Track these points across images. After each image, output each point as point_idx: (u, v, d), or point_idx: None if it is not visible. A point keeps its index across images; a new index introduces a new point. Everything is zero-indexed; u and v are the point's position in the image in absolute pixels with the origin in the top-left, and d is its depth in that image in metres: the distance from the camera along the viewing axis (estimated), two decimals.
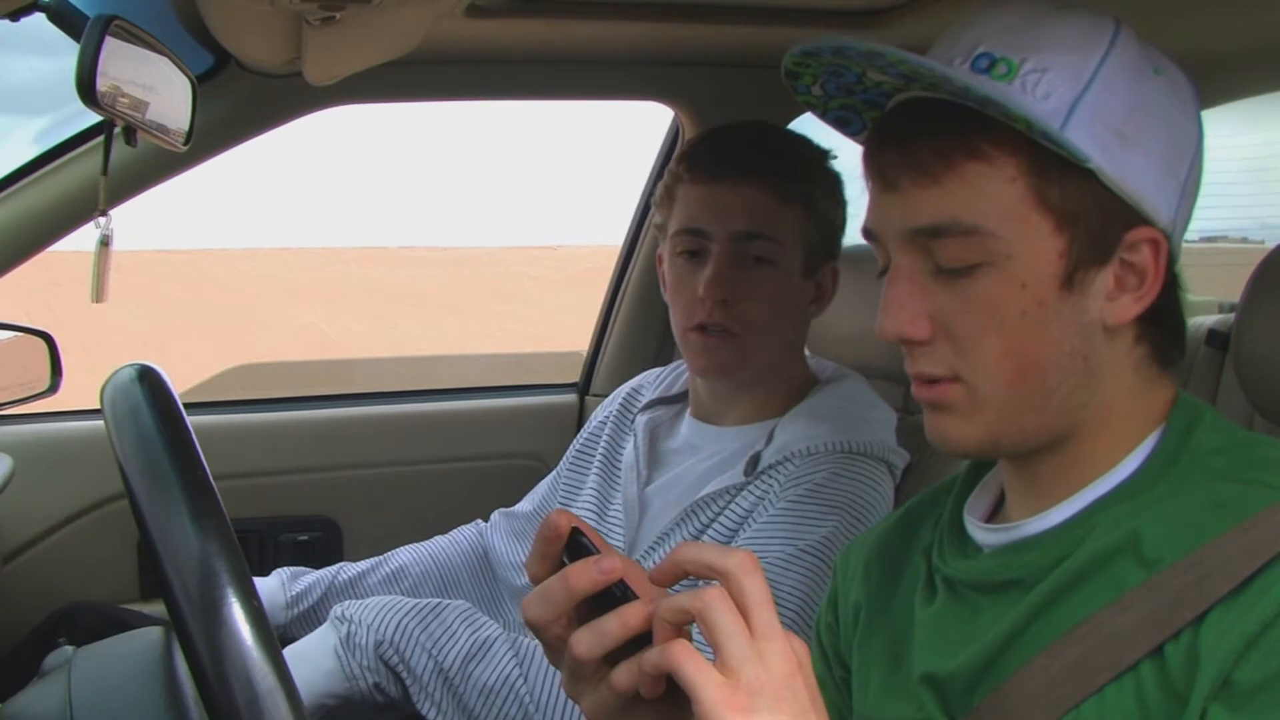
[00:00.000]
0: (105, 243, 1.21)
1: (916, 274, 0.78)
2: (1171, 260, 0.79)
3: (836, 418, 1.31)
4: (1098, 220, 0.75)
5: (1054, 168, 0.74)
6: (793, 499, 1.24)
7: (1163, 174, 0.77)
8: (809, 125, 1.42)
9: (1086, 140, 0.73)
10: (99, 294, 1.21)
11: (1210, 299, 2.10)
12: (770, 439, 1.32)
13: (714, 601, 0.61)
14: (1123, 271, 0.77)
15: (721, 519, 1.28)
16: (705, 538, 1.28)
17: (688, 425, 1.44)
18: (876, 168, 0.79)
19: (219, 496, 0.71)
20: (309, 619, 1.47)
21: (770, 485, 1.27)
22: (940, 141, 0.75)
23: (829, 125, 0.89)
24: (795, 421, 1.33)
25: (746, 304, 1.33)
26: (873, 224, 0.81)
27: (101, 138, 1.52)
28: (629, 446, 1.46)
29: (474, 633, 1.24)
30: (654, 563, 1.28)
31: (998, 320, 0.76)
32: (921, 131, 0.76)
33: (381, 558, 1.56)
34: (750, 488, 1.28)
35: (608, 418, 1.54)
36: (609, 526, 1.40)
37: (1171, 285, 0.79)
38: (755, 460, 1.30)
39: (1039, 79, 0.74)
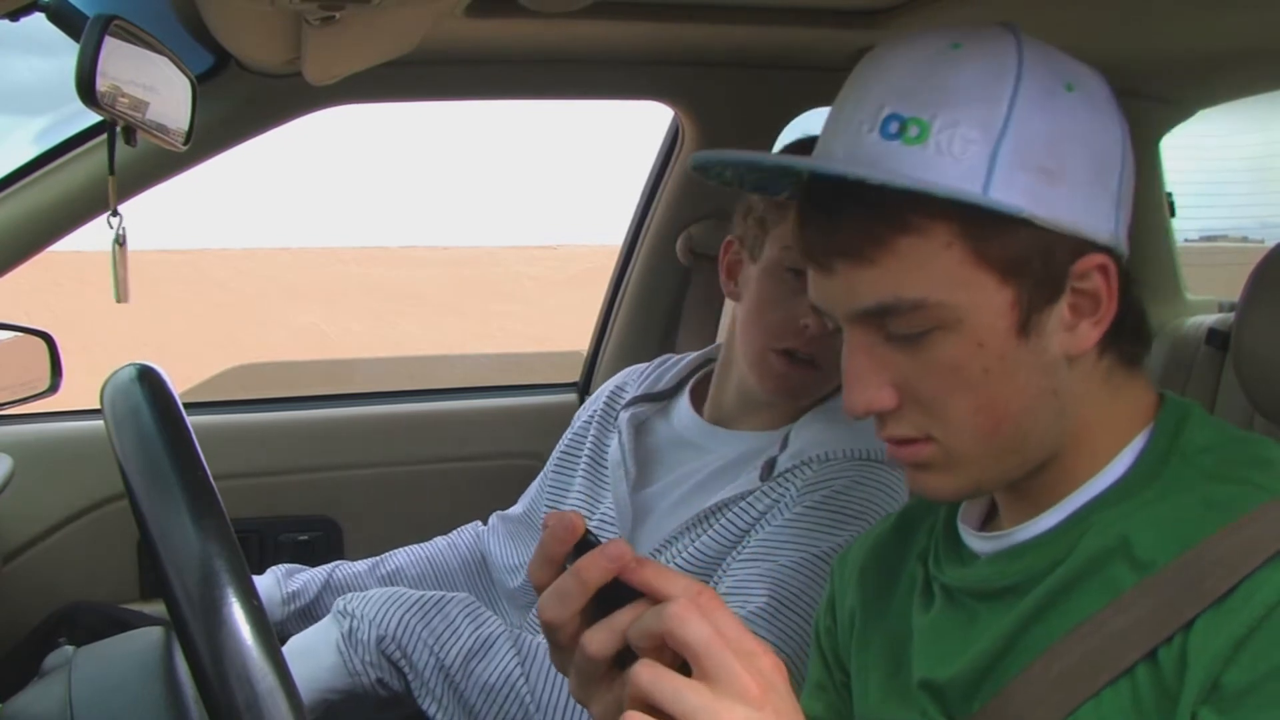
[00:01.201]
0: (120, 242, 1.21)
1: (872, 345, 0.77)
2: (1121, 267, 0.77)
3: (849, 424, 1.29)
4: (1041, 262, 0.74)
5: (987, 224, 0.72)
6: (809, 505, 1.23)
7: (1094, 195, 0.75)
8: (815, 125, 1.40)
9: (1013, 191, 0.72)
10: (122, 294, 1.21)
11: (1210, 298, 2.10)
12: (785, 444, 1.29)
13: (642, 675, 0.59)
14: (1077, 300, 0.76)
15: (731, 523, 1.27)
16: (713, 541, 1.26)
17: (693, 425, 1.41)
18: (807, 250, 0.78)
19: (219, 496, 0.71)
20: (305, 616, 1.47)
21: (786, 490, 1.25)
22: (867, 221, 0.74)
23: (749, 193, 0.88)
24: (810, 427, 1.31)
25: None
26: (818, 302, 0.80)
27: (102, 137, 1.53)
28: (614, 444, 1.44)
29: (477, 629, 1.23)
30: (662, 563, 1.27)
31: (961, 381, 0.75)
32: (847, 212, 0.74)
33: (378, 559, 1.55)
34: (764, 491, 1.26)
35: (593, 416, 1.52)
36: (600, 527, 1.38)
37: (1126, 289, 0.78)
38: (771, 465, 1.27)
39: (952, 136, 0.72)
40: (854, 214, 0.74)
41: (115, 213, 1.21)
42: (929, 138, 0.73)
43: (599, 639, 0.63)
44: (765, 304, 1.30)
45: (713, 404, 1.41)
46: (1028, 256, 0.74)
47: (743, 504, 1.27)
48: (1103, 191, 0.76)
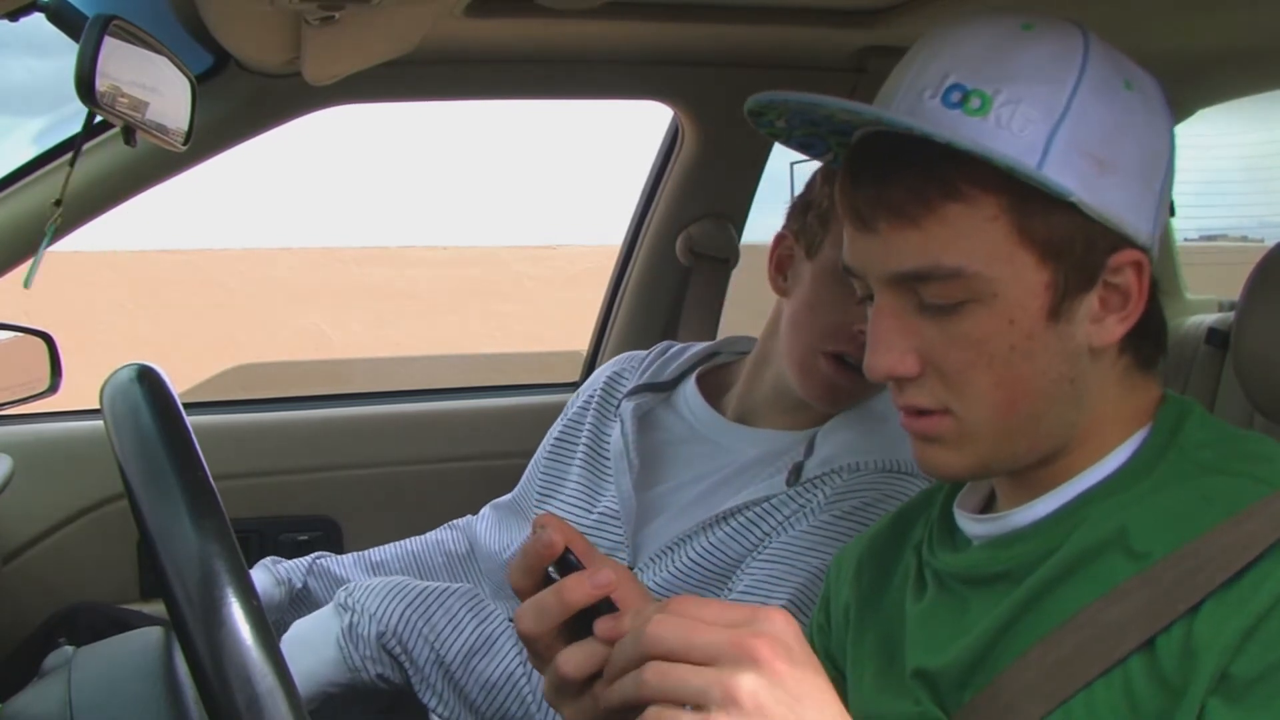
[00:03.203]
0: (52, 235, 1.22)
1: (902, 311, 0.78)
2: (1151, 270, 0.78)
3: (879, 432, 1.27)
4: (1081, 249, 0.75)
5: (1035, 202, 0.73)
6: (837, 514, 1.20)
7: (1140, 193, 0.77)
8: None
9: (1065, 173, 0.73)
10: (30, 280, 1.22)
11: (1210, 298, 2.10)
12: (811, 449, 1.26)
13: (650, 680, 0.59)
14: (1107, 293, 0.77)
15: (752, 524, 1.24)
16: (728, 538, 1.24)
17: (711, 421, 1.37)
18: (852, 207, 0.78)
19: (219, 496, 0.71)
20: (294, 604, 1.46)
21: (813, 497, 1.23)
22: (917, 183, 0.74)
23: (792, 149, 0.88)
24: (837, 433, 1.27)
25: None
26: (852, 263, 0.80)
27: (101, 138, 1.53)
28: (615, 434, 1.39)
29: (480, 625, 1.22)
30: (669, 563, 1.26)
31: (987, 356, 0.76)
32: (897, 171, 0.75)
33: (362, 553, 1.54)
34: (789, 496, 1.24)
35: (589, 402, 1.47)
36: (600, 520, 1.34)
37: (1152, 293, 0.79)
38: (798, 471, 1.25)
39: (1013, 112, 0.73)
40: (905, 175, 0.75)
41: (59, 203, 1.21)
42: (990, 111, 0.74)
43: (575, 661, 0.65)
44: (820, 304, 1.25)
45: (740, 401, 1.37)
46: (1069, 241, 0.75)
47: (764, 506, 1.24)
48: (1148, 191, 0.77)
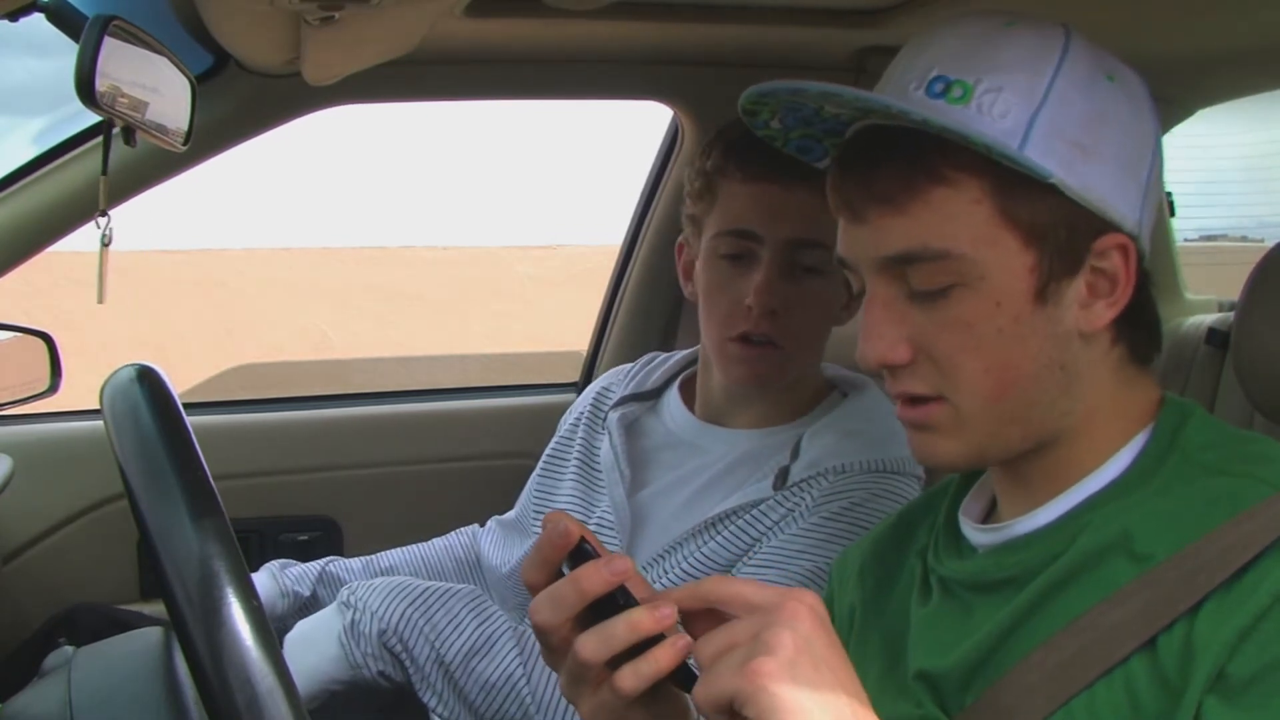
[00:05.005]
0: (106, 243, 1.22)
1: (893, 299, 0.79)
2: (1140, 258, 0.80)
3: (866, 433, 1.28)
4: (1065, 232, 0.77)
5: (1018, 185, 0.75)
6: (826, 515, 1.22)
7: (1124, 179, 0.78)
8: None
9: (1046, 156, 0.75)
10: (103, 295, 1.22)
11: (1210, 298, 2.10)
12: (796, 454, 1.28)
13: (705, 649, 0.65)
14: (1094, 278, 0.78)
15: (742, 530, 1.25)
16: (721, 548, 1.25)
17: (687, 424, 1.40)
18: (843, 200, 0.80)
19: (219, 496, 0.71)
20: (301, 612, 1.46)
21: (801, 500, 1.24)
22: (903, 170, 0.77)
23: (791, 154, 0.90)
24: (823, 436, 1.29)
25: (794, 315, 1.27)
26: (845, 253, 0.82)
27: (100, 138, 1.53)
28: (605, 445, 1.41)
29: (480, 626, 1.23)
30: (663, 571, 1.27)
31: (975, 339, 0.77)
32: (884, 161, 0.77)
33: (371, 557, 1.55)
34: (777, 500, 1.25)
35: (580, 418, 1.50)
36: (596, 531, 1.35)
37: (1144, 284, 0.80)
38: (784, 474, 1.26)
39: (994, 99, 0.76)
40: (892, 163, 0.77)
41: (104, 213, 1.21)
42: (972, 99, 0.76)
43: (591, 645, 0.65)
44: (710, 294, 1.30)
45: (702, 401, 1.40)
46: (1052, 224, 0.76)
47: (754, 512, 1.25)
48: (1132, 178, 0.79)
